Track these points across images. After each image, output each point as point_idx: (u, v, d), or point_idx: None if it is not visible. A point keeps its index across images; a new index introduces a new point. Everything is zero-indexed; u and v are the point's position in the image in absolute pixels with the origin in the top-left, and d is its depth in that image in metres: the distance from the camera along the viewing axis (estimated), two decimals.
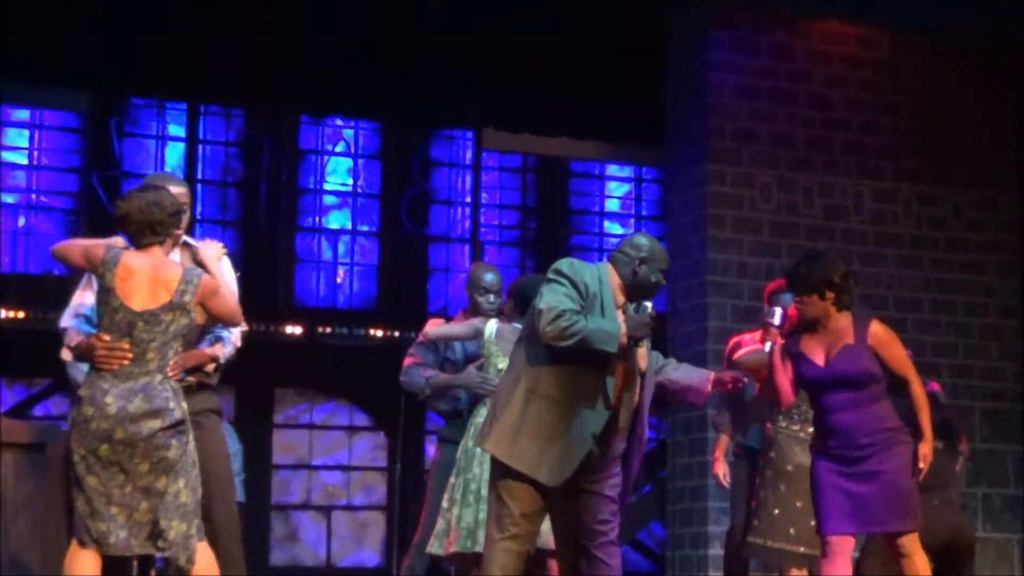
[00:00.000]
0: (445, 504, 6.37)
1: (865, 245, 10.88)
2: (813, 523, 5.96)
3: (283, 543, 11.98)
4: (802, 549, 6.75)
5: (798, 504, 6.69)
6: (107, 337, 4.98)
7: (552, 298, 5.12)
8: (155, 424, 4.95)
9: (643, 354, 5.38)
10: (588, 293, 5.21)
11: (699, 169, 10.65)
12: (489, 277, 6.72)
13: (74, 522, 5.01)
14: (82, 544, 4.95)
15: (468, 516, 6.22)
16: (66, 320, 5.29)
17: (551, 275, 5.23)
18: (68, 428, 5.01)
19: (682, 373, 5.66)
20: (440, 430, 6.88)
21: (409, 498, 10.27)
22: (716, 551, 10.14)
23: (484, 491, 6.04)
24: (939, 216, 11.12)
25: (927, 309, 10.99)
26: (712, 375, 5.69)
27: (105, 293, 5.01)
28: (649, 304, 5.27)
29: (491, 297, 6.67)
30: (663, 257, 5.36)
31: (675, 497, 10.67)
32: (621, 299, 5.32)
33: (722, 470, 7.37)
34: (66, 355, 5.19)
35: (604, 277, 5.30)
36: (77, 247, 5.12)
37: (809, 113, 10.80)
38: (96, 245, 5.09)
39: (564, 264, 5.26)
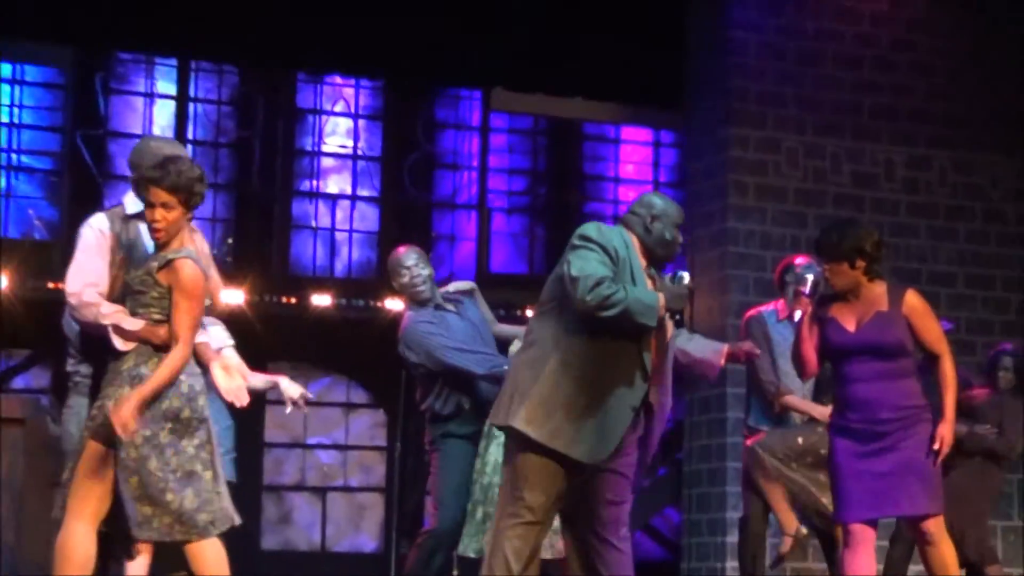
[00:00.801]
0: (478, 496, 6.43)
1: (896, 215, 10.86)
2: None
3: (275, 526, 12.07)
4: None
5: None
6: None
7: (585, 265, 5.02)
8: (205, 401, 5.15)
9: (669, 324, 5.37)
10: (618, 259, 5.15)
11: (720, 133, 10.63)
12: (407, 259, 6.72)
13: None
14: (206, 533, 5.05)
15: None
16: (90, 294, 5.19)
17: (578, 241, 5.13)
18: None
19: (695, 345, 5.66)
20: (441, 426, 6.76)
21: (410, 480, 10.30)
22: (735, 538, 10.14)
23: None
24: (976, 185, 11.09)
25: (962, 284, 10.98)
26: (726, 347, 5.70)
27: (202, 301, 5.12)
28: (685, 274, 5.22)
29: (417, 271, 6.69)
30: (676, 212, 5.32)
31: (692, 480, 10.67)
32: (643, 263, 5.27)
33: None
34: (121, 344, 5.08)
35: (629, 241, 5.24)
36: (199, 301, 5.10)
37: (838, 74, 10.77)
38: (200, 281, 5.08)
39: (592, 229, 5.17)
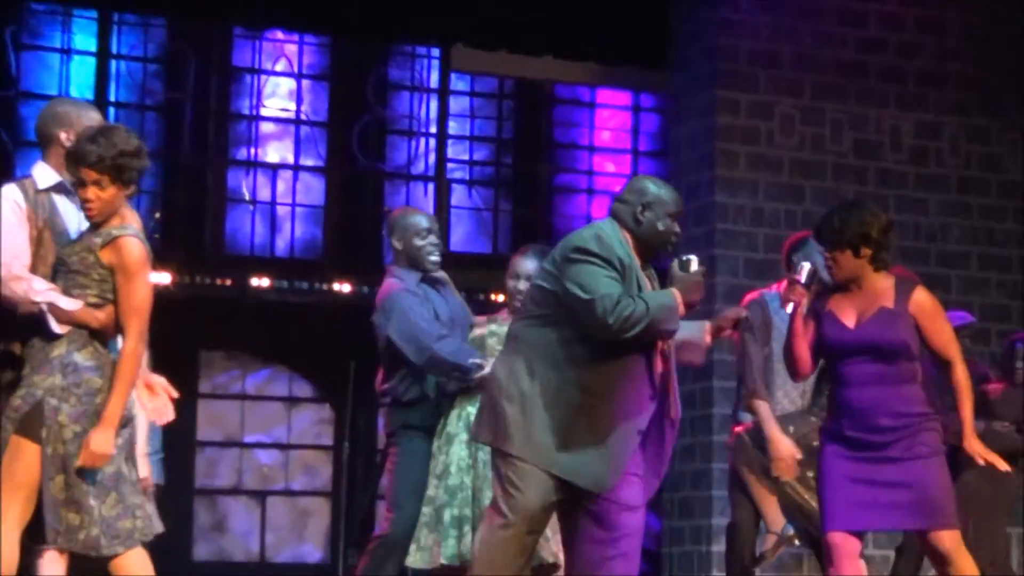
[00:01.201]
0: (426, 515, 6.43)
1: (903, 188, 10.91)
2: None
3: (209, 534, 11.98)
4: None
5: None
6: None
7: (595, 283, 5.08)
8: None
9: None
10: (624, 268, 5.18)
11: (708, 96, 10.64)
12: (425, 221, 6.77)
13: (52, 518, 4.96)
14: (131, 543, 4.97)
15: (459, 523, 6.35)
16: (18, 267, 5.15)
17: (577, 255, 5.14)
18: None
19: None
20: (401, 415, 6.74)
21: (359, 483, 10.27)
22: (722, 547, 10.08)
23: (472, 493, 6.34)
24: (991, 155, 11.14)
25: (975, 265, 11.03)
26: (708, 324, 5.57)
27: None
28: (693, 257, 5.21)
29: (433, 239, 6.74)
30: (672, 199, 5.29)
31: (674, 484, 10.63)
32: (638, 262, 5.27)
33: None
34: (56, 327, 5.04)
35: (624, 240, 5.25)
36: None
37: (839, 31, 10.81)
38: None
39: (591, 240, 5.18)
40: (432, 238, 6.72)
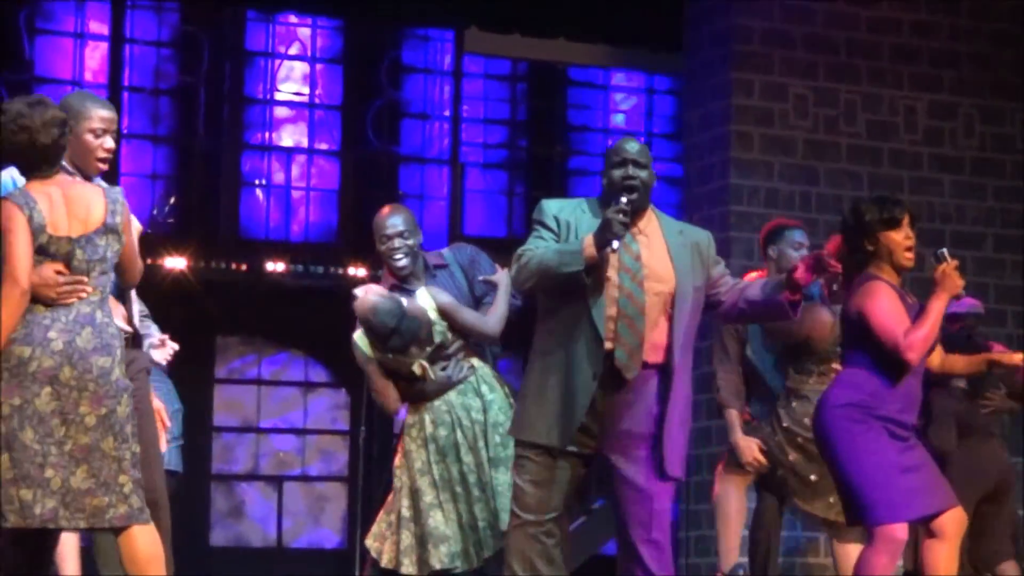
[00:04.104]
0: (407, 512, 6.38)
1: (918, 170, 10.92)
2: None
3: (226, 519, 12.09)
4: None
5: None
6: (64, 269, 4.99)
7: (521, 248, 5.36)
8: (106, 362, 4.99)
9: (664, 275, 5.38)
10: (560, 225, 5.37)
11: (721, 78, 10.63)
12: (389, 226, 6.49)
13: None
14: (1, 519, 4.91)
15: (447, 525, 6.33)
16: None
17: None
18: None
19: (753, 290, 5.53)
20: None
21: (375, 467, 10.25)
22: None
23: (475, 486, 6.28)
24: (1006, 136, 11.13)
25: (990, 246, 11.05)
26: (784, 276, 5.47)
27: (34, 234, 4.99)
28: (624, 198, 5.25)
29: (396, 243, 6.47)
30: (621, 146, 5.43)
31: (690, 468, 10.56)
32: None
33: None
34: None
35: (587, 205, 5.48)
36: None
37: (853, 11, 10.80)
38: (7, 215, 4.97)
39: (536, 209, 5.47)
40: (394, 242, 6.45)
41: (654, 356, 5.35)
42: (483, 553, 6.30)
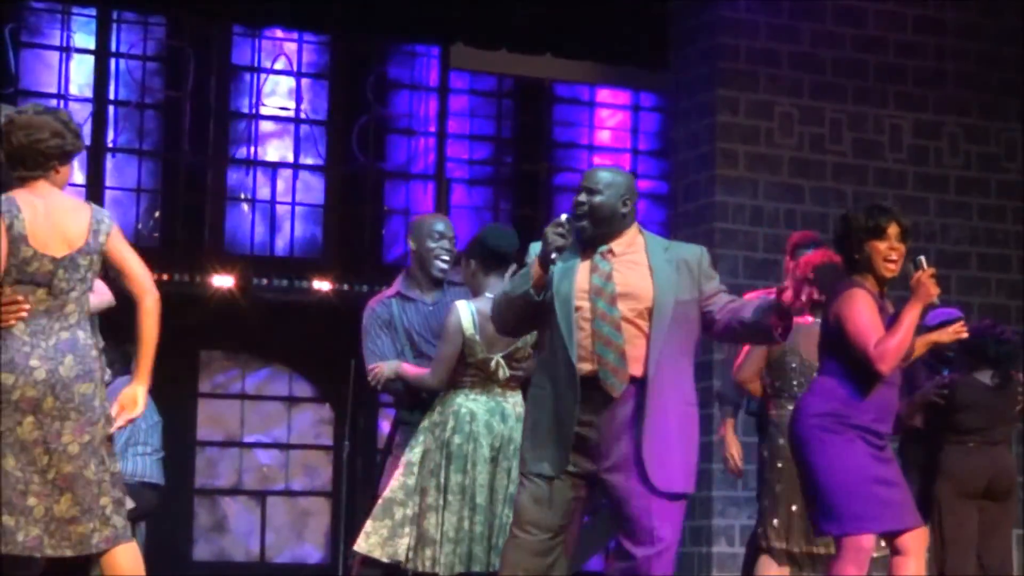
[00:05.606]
0: (409, 511, 6.44)
1: (903, 188, 11.00)
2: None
3: (209, 534, 12.05)
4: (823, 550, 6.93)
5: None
6: (7, 289, 4.96)
7: None
8: (88, 388, 5.00)
9: (641, 291, 5.43)
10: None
11: (707, 96, 10.77)
12: (440, 225, 6.75)
13: None
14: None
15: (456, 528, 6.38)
16: None
17: None
18: None
19: (747, 311, 5.51)
20: (403, 413, 6.87)
21: (359, 483, 10.27)
22: (721, 548, 10.23)
23: (479, 495, 6.36)
24: (991, 155, 11.28)
25: (975, 265, 11.18)
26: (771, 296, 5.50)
27: (13, 244, 4.98)
28: (563, 216, 5.39)
29: (446, 244, 6.71)
30: (584, 174, 5.63)
31: None
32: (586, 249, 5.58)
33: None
34: None
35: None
36: None
37: (838, 30, 10.94)
38: None
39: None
40: (444, 243, 6.73)
41: (638, 370, 5.41)
42: (473, 566, 6.35)
